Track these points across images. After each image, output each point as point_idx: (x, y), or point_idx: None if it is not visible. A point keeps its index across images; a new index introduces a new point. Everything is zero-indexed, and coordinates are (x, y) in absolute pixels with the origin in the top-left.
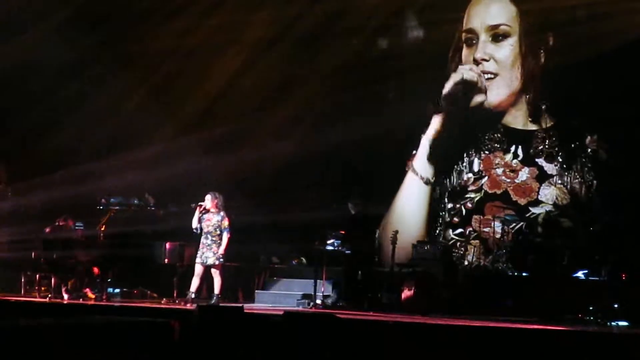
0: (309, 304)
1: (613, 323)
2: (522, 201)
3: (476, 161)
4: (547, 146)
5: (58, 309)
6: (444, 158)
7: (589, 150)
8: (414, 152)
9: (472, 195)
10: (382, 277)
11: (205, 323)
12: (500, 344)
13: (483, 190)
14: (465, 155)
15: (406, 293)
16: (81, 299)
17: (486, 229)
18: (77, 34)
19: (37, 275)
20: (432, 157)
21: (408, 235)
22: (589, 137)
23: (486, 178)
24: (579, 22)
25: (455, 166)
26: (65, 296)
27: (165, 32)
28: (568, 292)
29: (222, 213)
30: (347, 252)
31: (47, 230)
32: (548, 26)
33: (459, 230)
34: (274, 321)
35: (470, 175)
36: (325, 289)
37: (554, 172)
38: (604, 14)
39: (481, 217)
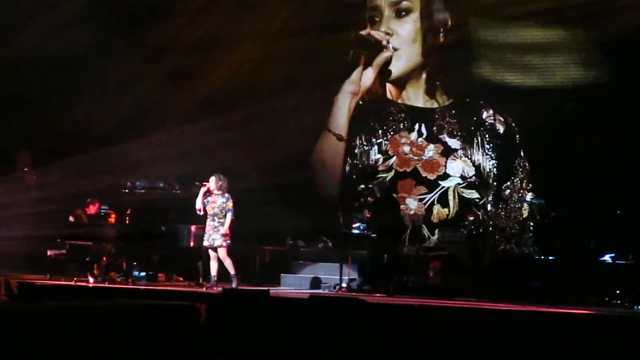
0: (334, 288)
1: None
2: (432, 176)
3: (383, 142)
4: (447, 122)
5: (84, 292)
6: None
7: (487, 124)
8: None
9: (384, 175)
10: (408, 261)
11: (231, 306)
12: (526, 327)
13: (393, 170)
14: (372, 137)
15: (432, 276)
16: (107, 283)
17: (401, 207)
18: (100, 20)
19: (63, 259)
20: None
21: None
22: (484, 112)
23: (395, 157)
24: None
25: (364, 147)
26: (91, 280)
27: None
28: (595, 276)
29: (226, 195)
30: (372, 235)
31: (73, 215)
32: (448, 6)
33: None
34: (299, 305)
35: (379, 156)
36: (350, 272)
37: (458, 147)
38: None
39: (395, 195)
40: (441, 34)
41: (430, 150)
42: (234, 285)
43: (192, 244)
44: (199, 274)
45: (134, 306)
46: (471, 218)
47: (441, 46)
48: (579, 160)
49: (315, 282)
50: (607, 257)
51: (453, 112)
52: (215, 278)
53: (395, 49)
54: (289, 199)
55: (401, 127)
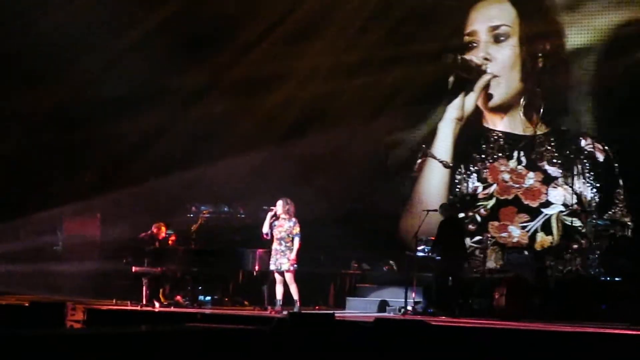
0: (399, 311)
1: None
2: (534, 204)
3: (482, 170)
4: (546, 150)
5: (150, 316)
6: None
7: (586, 152)
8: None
9: (484, 203)
10: (473, 283)
11: (297, 330)
12: (593, 348)
13: (494, 198)
14: (470, 164)
15: (497, 299)
16: (172, 307)
17: (503, 234)
18: (161, 43)
19: (130, 284)
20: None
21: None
22: (583, 140)
23: (495, 185)
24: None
25: (463, 174)
26: (157, 304)
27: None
28: None
29: (293, 219)
30: (437, 257)
31: (140, 237)
32: (546, 32)
33: (477, 238)
34: (365, 328)
35: (478, 183)
36: (415, 295)
37: (558, 175)
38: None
39: (497, 223)
40: (540, 59)
41: (531, 178)
42: (296, 310)
43: (257, 267)
44: (264, 297)
45: (201, 330)
46: (575, 246)
47: (540, 72)
48: None
49: (381, 305)
50: None
51: (552, 139)
52: (281, 302)
53: (494, 75)
54: (353, 222)
55: (500, 154)
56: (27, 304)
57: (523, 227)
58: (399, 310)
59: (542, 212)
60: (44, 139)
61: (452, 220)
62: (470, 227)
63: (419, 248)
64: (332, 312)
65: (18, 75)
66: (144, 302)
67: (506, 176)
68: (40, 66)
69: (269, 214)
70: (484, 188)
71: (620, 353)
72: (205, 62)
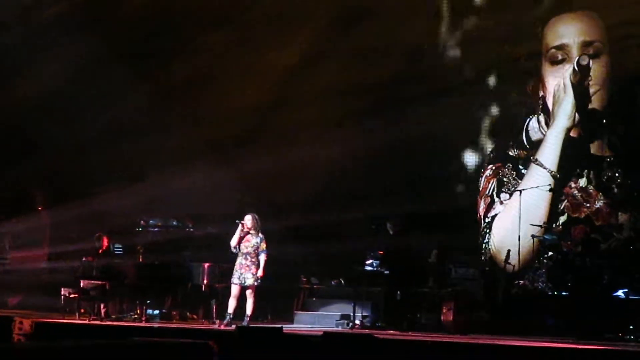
0: (348, 325)
1: None
2: (605, 227)
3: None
4: (616, 174)
5: (97, 330)
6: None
7: None
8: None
9: (556, 217)
10: (421, 298)
11: (245, 344)
12: None
13: (566, 214)
14: None
15: (445, 313)
16: (121, 321)
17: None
18: (111, 62)
19: (77, 298)
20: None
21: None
22: None
23: (565, 201)
24: None
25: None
26: (105, 318)
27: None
28: (608, 311)
29: (260, 235)
30: (386, 272)
31: (87, 257)
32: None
33: (549, 254)
34: (313, 342)
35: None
36: (364, 309)
37: (626, 199)
38: None
39: (569, 242)
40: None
41: (600, 200)
42: (245, 324)
43: (205, 281)
44: (212, 311)
45: (148, 345)
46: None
47: (625, 94)
48: None
49: (330, 320)
50: (620, 293)
51: (621, 163)
52: (232, 316)
53: (598, 89)
54: (302, 237)
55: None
56: None
57: None
58: (347, 325)
59: (614, 236)
60: None
61: (400, 235)
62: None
63: (367, 262)
64: (280, 326)
65: None
66: (93, 315)
67: (576, 193)
68: None
69: (239, 229)
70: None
71: None
72: (151, 72)
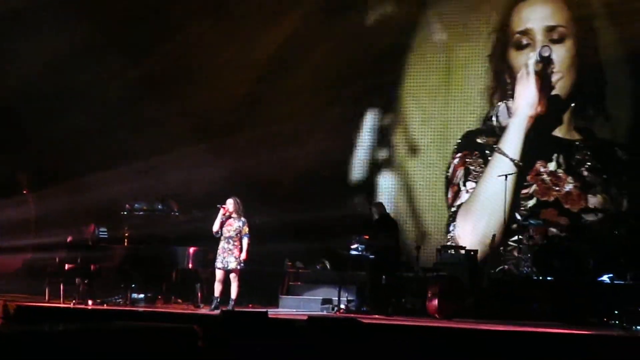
0: (332, 309)
1: (638, 327)
2: (574, 209)
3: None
4: (586, 157)
5: (82, 314)
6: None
7: (622, 160)
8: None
9: (524, 202)
10: (407, 282)
11: (230, 328)
12: (525, 348)
13: (535, 198)
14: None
15: (430, 298)
16: (105, 305)
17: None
18: (100, 46)
19: (61, 282)
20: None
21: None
22: (619, 150)
23: (534, 185)
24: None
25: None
26: (89, 302)
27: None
28: (593, 296)
29: (242, 219)
30: (370, 256)
31: (71, 237)
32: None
33: (516, 237)
34: (298, 326)
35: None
36: (349, 293)
37: (597, 183)
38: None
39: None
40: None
41: (570, 183)
42: (230, 308)
43: (190, 265)
44: (197, 295)
45: (132, 329)
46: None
47: (592, 77)
48: None
49: (315, 304)
50: (605, 278)
51: (591, 146)
52: (218, 300)
53: (562, 76)
54: (288, 221)
55: (541, 155)
56: None
57: None
58: (332, 309)
59: (582, 218)
60: None
61: (386, 219)
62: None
63: (353, 247)
64: (265, 310)
65: None
66: (77, 299)
67: (545, 177)
68: None
69: (220, 213)
70: (524, 187)
71: (551, 352)
72: (138, 58)
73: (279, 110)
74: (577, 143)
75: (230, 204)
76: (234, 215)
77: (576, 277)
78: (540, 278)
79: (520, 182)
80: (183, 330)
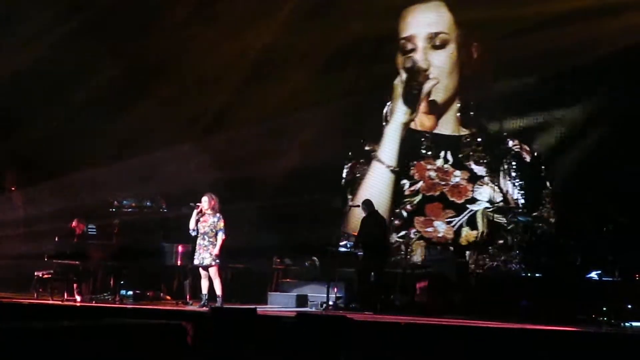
0: (321, 306)
1: (627, 324)
2: (459, 200)
3: (410, 168)
4: (473, 150)
5: (71, 311)
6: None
7: (513, 152)
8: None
9: (410, 199)
10: (395, 279)
11: (219, 325)
12: (513, 345)
13: (420, 194)
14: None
15: (419, 294)
16: (94, 302)
17: (429, 229)
18: (85, 41)
19: (50, 279)
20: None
21: None
22: (510, 141)
23: (421, 182)
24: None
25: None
26: (78, 299)
27: (172, 40)
28: (581, 293)
29: (218, 214)
30: (359, 253)
31: (59, 234)
32: (477, 37)
33: (403, 233)
34: (286, 323)
35: (405, 181)
36: (337, 290)
37: (484, 174)
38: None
39: (423, 218)
40: (473, 65)
41: (457, 177)
42: (218, 305)
43: (179, 262)
44: (186, 292)
45: (121, 326)
46: (500, 242)
47: (474, 77)
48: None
49: (303, 300)
50: (593, 274)
51: (478, 140)
52: (207, 296)
53: (438, 81)
54: (275, 217)
55: (427, 154)
56: None
57: (448, 223)
58: (321, 306)
59: (468, 208)
60: None
61: (373, 216)
62: (397, 222)
63: (341, 244)
64: (254, 307)
65: None
66: (66, 296)
67: (432, 174)
68: None
69: (195, 211)
70: (411, 185)
71: (538, 349)
72: (124, 50)
73: (266, 107)
74: (466, 138)
75: (205, 201)
76: (208, 211)
77: (564, 274)
78: (529, 275)
79: (397, 187)
80: (172, 328)
